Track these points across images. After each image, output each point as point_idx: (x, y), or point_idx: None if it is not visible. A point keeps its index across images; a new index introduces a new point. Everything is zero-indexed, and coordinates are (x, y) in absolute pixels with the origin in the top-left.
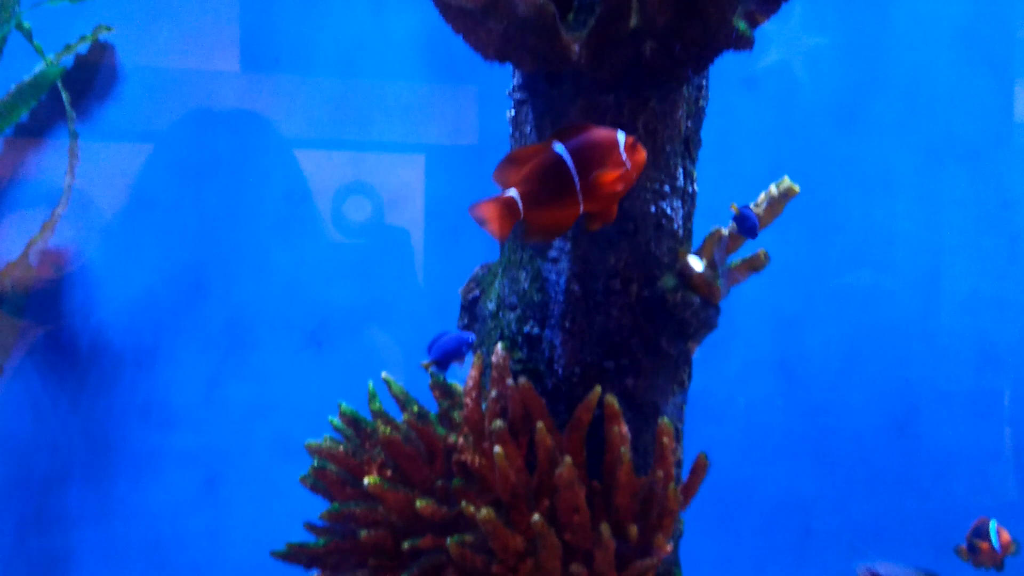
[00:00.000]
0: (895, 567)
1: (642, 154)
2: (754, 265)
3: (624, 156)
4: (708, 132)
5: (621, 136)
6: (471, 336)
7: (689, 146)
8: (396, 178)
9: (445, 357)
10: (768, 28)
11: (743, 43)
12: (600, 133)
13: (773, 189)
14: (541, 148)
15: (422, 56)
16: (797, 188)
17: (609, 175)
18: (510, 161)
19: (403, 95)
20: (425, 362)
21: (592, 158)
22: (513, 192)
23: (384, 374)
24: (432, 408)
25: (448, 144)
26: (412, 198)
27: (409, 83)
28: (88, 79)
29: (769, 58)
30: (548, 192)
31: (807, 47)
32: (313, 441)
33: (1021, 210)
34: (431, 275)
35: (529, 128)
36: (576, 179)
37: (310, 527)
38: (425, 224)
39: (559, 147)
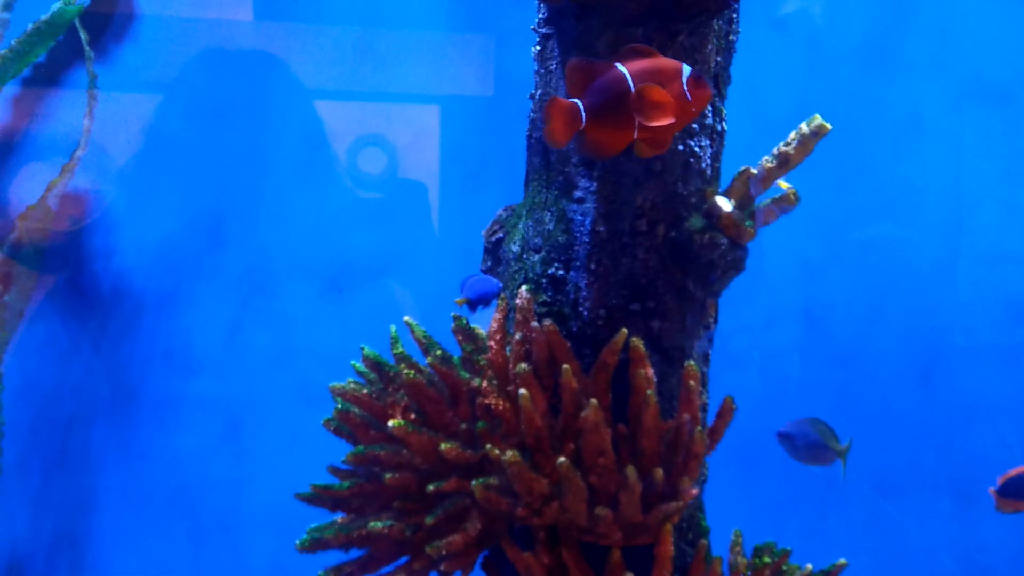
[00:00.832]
0: (800, 424)
1: (706, 90)
2: (783, 205)
3: (685, 89)
4: (736, 72)
5: (686, 69)
6: (499, 284)
7: (719, 82)
8: (413, 128)
9: (480, 298)
10: None
11: None
12: (665, 61)
13: (804, 127)
14: (607, 65)
15: (440, 3)
16: (828, 126)
17: (662, 96)
18: (585, 67)
19: (420, 44)
20: (459, 299)
21: (653, 83)
22: (579, 103)
23: (407, 318)
24: (455, 353)
25: (466, 95)
26: (429, 148)
27: (426, 32)
28: (105, 20)
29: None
30: (608, 108)
31: None
32: (337, 384)
33: None
34: (447, 224)
35: (555, 64)
36: (633, 103)
37: (334, 470)
38: (441, 175)
39: (621, 68)
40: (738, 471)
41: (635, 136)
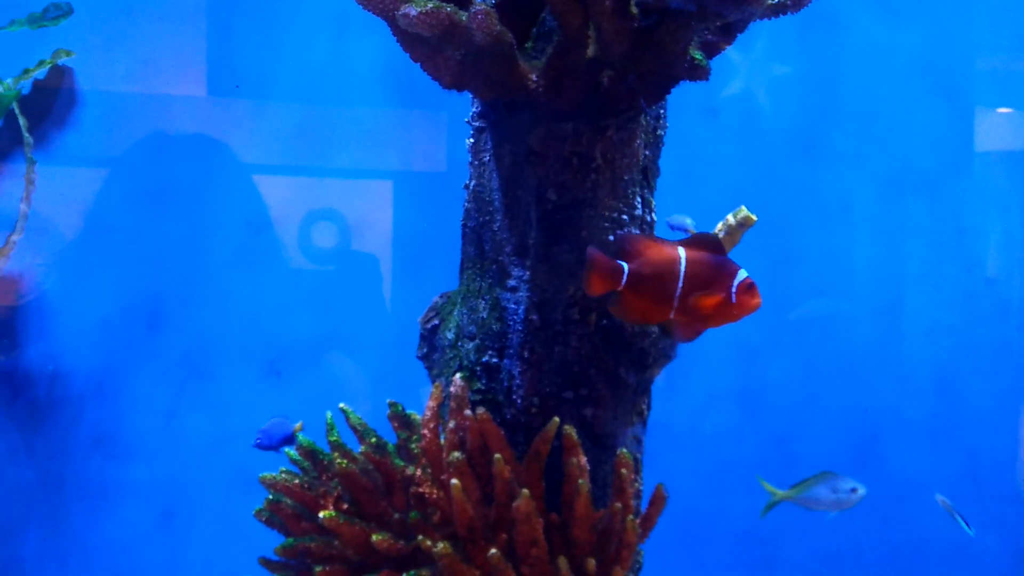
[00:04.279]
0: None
1: (755, 299)
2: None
3: (733, 292)
4: (670, 160)
5: (742, 274)
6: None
7: (647, 175)
8: (362, 205)
9: (272, 444)
10: (731, 57)
11: (699, 73)
12: (724, 261)
13: (731, 219)
14: (670, 244)
15: (389, 82)
16: (754, 218)
17: (706, 300)
18: (639, 239)
19: (369, 121)
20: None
21: (703, 276)
22: (626, 265)
23: (342, 405)
24: (391, 439)
25: (416, 170)
26: (379, 225)
27: (374, 109)
28: (46, 104)
29: (732, 87)
30: (650, 284)
31: (769, 77)
32: (268, 474)
33: (978, 239)
34: (398, 302)
35: (488, 156)
36: (679, 288)
37: (265, 562)
38: (392, 251)
39: (681, 251)
40: (679, 554)
41: (671, 316)
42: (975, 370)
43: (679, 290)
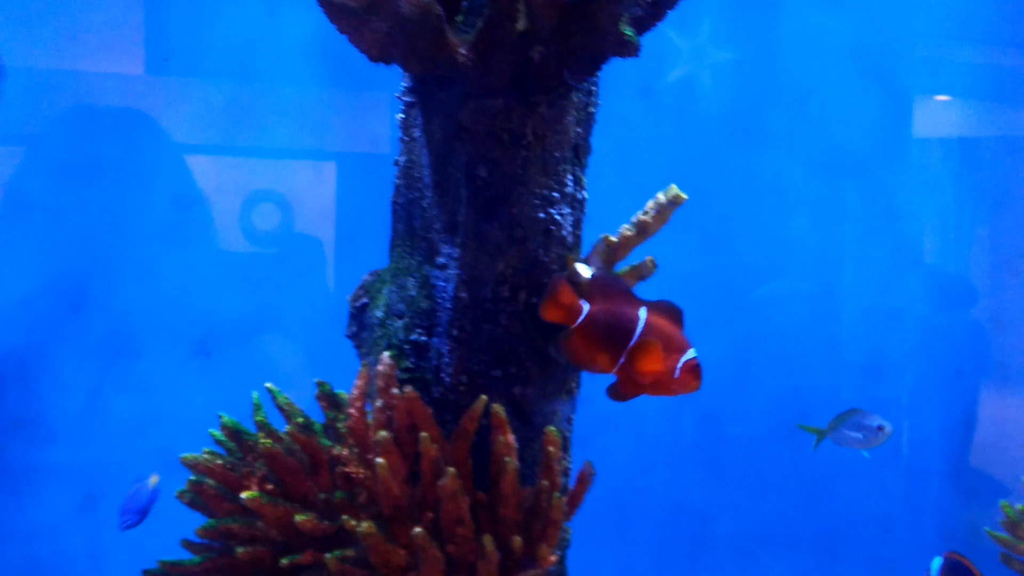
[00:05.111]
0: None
1: (696, 383)
2: (641, 272)
3: (678, 368)
4: (605, 140)
5: (691, 353)
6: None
7: (579, 152)
8: (302, 186)
9: (131, 514)
10: (673, 41)
11: (629, 49)
12: (679, 335)
13: (661, 196)
14: (634, 300)
15: (329, 63)
16: (684, 196)
17: (649, 366)
18: (613, 284)
19: (312, 102)
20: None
21: (653, 344)
22: (587, 306)
23: (268, 384)
24: (320, 419)
25: (360, 152)
26: (320, 206)
27: (317, 89)
28: None
29: (675, 73)
30: (603, 333)
31: (709, 60)
32: (190, 455)
33: (908, 222)
34: (340, 284)
35: (418, 132)
36: (629, 346)
37: (188, 545)
38: (336, 232)
39: (643, 312)
40: (611, 532)
41: (613, 371)
42: (903, 350)
43: (625, 352)
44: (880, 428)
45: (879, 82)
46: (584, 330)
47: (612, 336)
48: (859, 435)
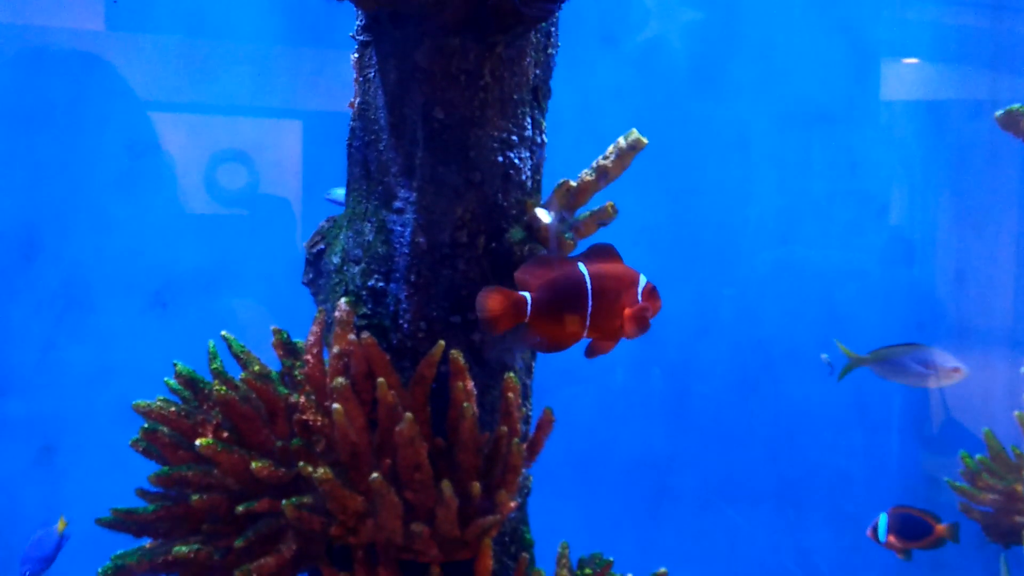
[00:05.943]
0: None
1: (658, 302)
2: (602, 218)
3: (639, 295)
4: (568, 89)
5: (643, 279)
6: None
7: (538, 95)
8: (261, 141)
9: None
10: None
11: None
12: (623, 269)
13: (621, 141)
14: (567, 262)
15: (295, 19)
16: (645, 140)
17: (620, 318)
18: (538, 263)
19: (266, 56)
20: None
21: (609, 289)
22: (527, 295)
23: (224, 332)
24: (276, 367)
25: (322, 110)
26: (286, 162)
27: (267, 45)
28: None
29: (638, 28)
30: (558, 304)
31: (673, 10)
32: (142, 401)
33: (870, 176)
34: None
35: (373, 72)
36: (589, 304)
37: (142, 493)
38: (303, 189)
39: (582, 267)
40: (573, 482)
41: (585, 335)
42: (865, 303)
43: (589, 308)
44: (956, 369)
45: (842, 34)
46: (539, 314)
47: (568, 301)
48: (923, 370)
